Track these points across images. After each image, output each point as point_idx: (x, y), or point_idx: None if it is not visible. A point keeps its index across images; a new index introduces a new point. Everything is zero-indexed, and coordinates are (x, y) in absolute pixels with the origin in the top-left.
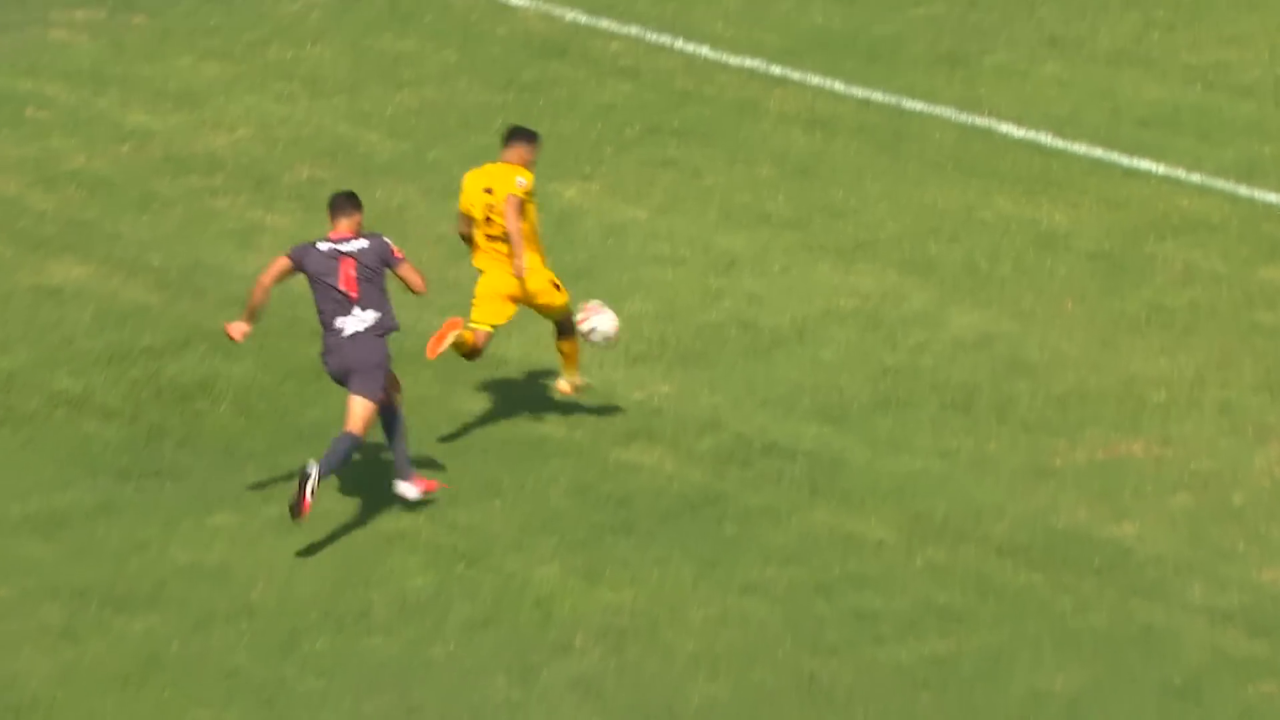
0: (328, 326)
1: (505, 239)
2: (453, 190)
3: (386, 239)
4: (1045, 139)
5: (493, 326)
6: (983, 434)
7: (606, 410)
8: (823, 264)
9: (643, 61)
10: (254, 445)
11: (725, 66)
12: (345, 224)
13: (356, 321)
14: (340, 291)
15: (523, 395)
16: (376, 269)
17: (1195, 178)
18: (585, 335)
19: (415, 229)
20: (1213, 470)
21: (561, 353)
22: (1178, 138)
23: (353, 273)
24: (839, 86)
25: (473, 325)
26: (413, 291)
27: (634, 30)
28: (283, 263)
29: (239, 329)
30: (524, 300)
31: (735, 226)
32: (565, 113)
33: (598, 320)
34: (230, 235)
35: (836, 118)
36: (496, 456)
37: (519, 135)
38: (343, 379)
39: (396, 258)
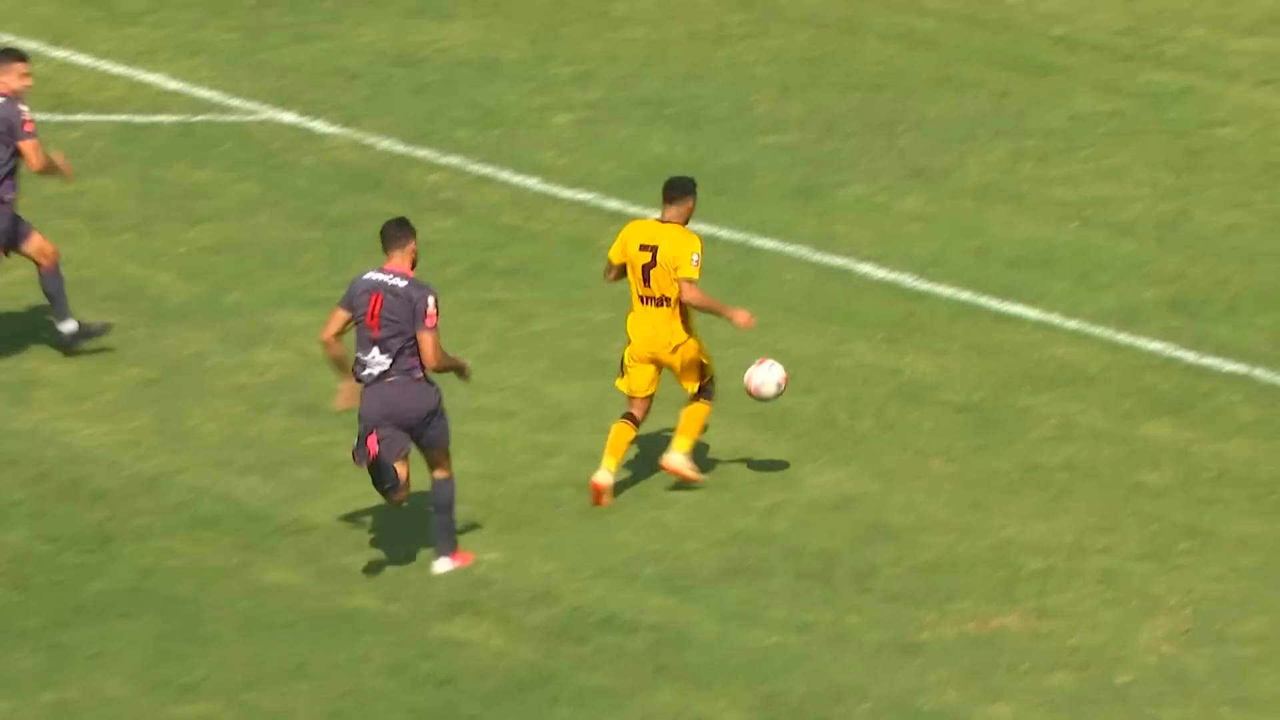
0: (356, 362)
1: (662, 303)
2: (255, 336)
3: (430, 295)
4: (908, 280)
5: (646, 397)
6: (842, 605)
7: (426, 580)
8: (664, 417)
9: (465, 194)
10: (29, 623)
11: (556, 200)
12: (399, 256)
13: (373, 365)
14: (365, 327)
15: (333, 564)
16: (404, 318)
17: (1072, 324)
18: (760, 398)
19: (212, 379)
20: (1094, 646)
21: (681, 418)
22: (1052, 280)
23: (378, 308)
24: None
25: (625, 389)
26: (421, 360)
27: (455, 160)
28: (340, 316)
29: (345, 392)
30: (669, 366)
31: (568, 376)
32: (380, 250)
33: (762, 385)
34: (2, 389)
35: None
36: (303, 632)
37: (684, 189)
38: (382, 426)
39: (425, 324)
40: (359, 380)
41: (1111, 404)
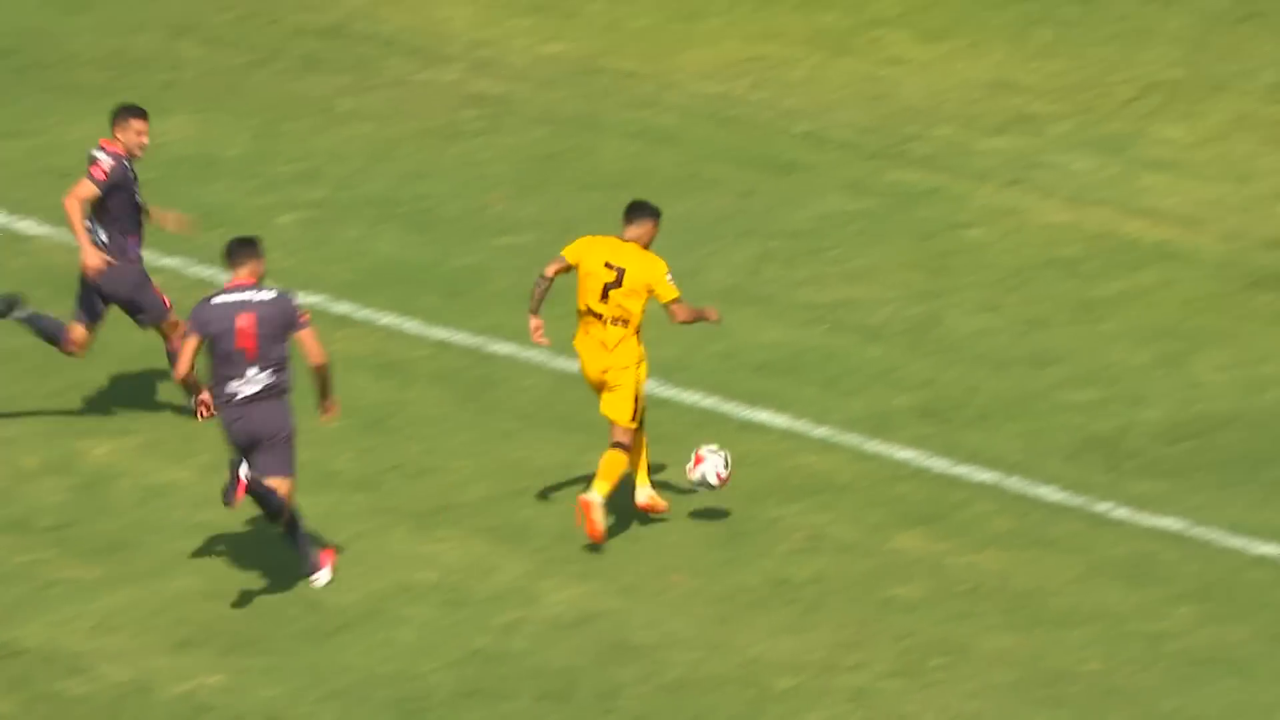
0: (219, 388)
1: (617, 322)
2: None
3: (293, 299)
4: (651, 386)
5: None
6: None
7: (144, 705)
8: (398, 531)
9: (186, 297)
10: None
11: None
12: (245, 272)
13: (249, 385)
14: (236, 349)
15: (44, 689)
16: (279, 327)
17: (821, 431)
18: (697, 486)
19: None
20: None
21: (600, 462)
22: (800, 386)
23: (251, 328)
24: (414, 326)
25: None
26: (310, 361)
27: (175, 262)
28: (193, 343)
29: (206, 404)
30: (601, 389)
31: (296, 488)
32: (94, 358)
33: (704, 471)
34: None
35: (412, 362)
36: None
37: (647, 210)
38: (247, 449)
39: (301, 322)
40: (225, 403)
41: (862, 515)
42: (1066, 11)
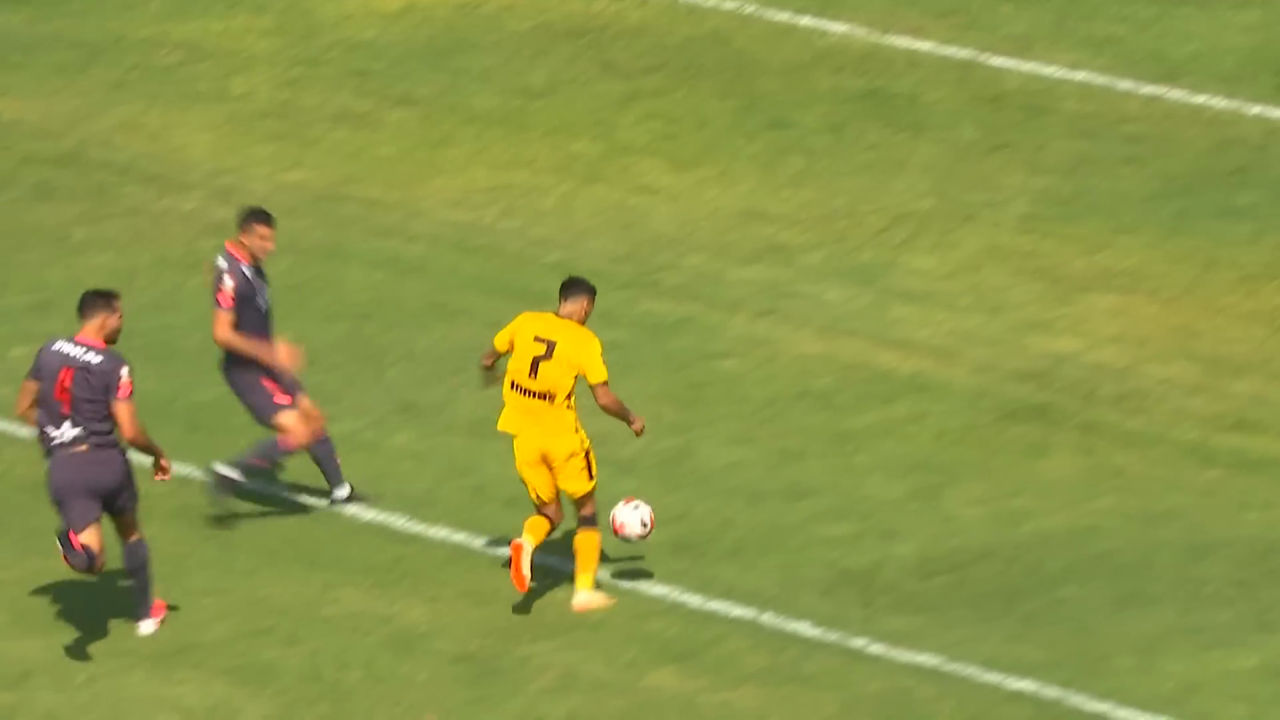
0: (41, 434)
1: (545, 397)
2: None
3: (124, 367)
4: (399, 522)
5: (557, 500)
6: None
7: None
8: (137, 673)
9: None
10: None
11: (14, 439)
12: (91, 327)
13: (62, 435)
14: (54, 400)
15: None
16: (98, 391)
17: (573, 567)
18: (628, 539)
19: None
20: None
21: (576, 552)
22: None
23: (68, 384)
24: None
25: (535, 498)
26: (124, 435)
27: None
28: (30, 388)
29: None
30: (551, 468)
31: (28, 629)
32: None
33: (629, 535)
34: None
35: (151, 497)
36: None
37: (582, 286)
38: (59, 501)
39: (118, 395)
40: (46, 450)
41: (615, 652)
42: (816, 141)
